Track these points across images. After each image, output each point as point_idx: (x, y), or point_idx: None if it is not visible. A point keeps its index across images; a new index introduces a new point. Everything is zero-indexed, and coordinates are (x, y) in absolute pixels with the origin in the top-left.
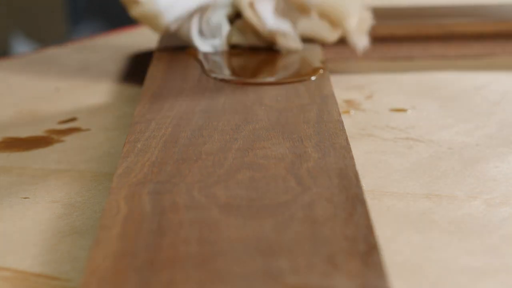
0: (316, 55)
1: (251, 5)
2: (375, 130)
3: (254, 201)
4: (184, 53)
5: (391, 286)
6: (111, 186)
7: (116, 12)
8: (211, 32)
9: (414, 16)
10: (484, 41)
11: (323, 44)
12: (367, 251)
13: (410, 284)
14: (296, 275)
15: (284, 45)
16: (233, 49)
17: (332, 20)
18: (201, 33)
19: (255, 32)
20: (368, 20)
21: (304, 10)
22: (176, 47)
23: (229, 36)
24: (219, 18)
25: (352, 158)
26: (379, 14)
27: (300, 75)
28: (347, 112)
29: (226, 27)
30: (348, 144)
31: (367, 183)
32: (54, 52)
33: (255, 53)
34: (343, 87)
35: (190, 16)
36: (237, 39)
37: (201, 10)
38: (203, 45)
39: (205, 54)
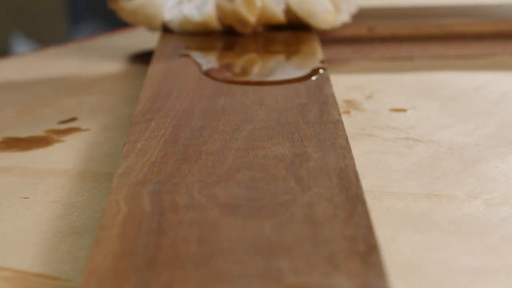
0: (316, 55)
1: None
2: (375, 130)
3: (254, 201)
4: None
5: (391, 286)
6: (111, 186)
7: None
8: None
9: (414, 16)
10: (484, 41)
11: (322, 45)
12: (367, 251)
13: (410, 284)
14: (296, 275)
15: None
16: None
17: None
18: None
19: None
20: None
21: None
22: (176, 47)
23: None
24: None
25: (352, 158)
26: (379, 14)
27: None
28: (347, 112)
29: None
30: (348, 144)
31: (367, 183)
32: (54, 52)
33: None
34: (343, 87)
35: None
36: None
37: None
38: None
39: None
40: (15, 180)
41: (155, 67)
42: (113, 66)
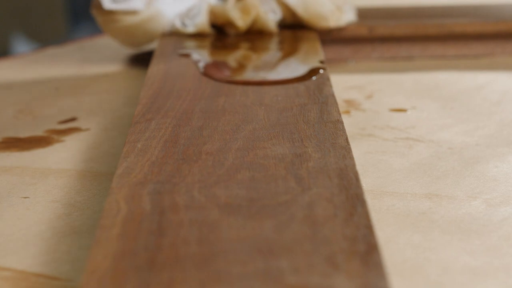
0: (316, 55)
1: None
2: (375, 130)
3: (254, 201)
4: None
5: (391, 286)
6: (111, 186)
7: None
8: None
9: (414, 16)
10: (484, 41)
11: (323, 43)
12: (367, 251)
13: (410, 284)
14: (296, 275)
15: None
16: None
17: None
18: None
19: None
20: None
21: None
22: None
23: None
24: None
25: (352, 158)
26: (379, 14)
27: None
28: (347, 112)
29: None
30: (348, 144)
31: (367, 183)
32: (54, 52)
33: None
34: (343, 87)
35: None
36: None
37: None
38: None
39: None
40: (15, 180)
41: (155, 67)
42: (113, 66)
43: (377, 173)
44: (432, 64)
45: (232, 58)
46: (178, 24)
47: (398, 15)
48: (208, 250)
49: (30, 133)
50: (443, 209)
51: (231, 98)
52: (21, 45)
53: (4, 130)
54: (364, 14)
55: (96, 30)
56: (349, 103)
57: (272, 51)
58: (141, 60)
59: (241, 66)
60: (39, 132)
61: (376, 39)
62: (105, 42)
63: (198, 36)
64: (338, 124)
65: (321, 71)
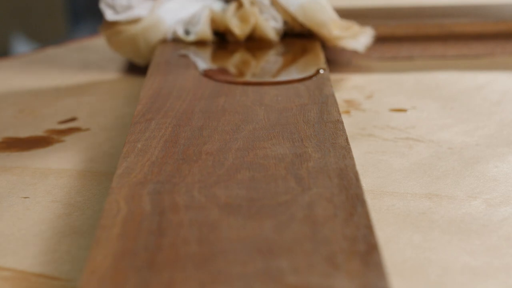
0: (316, 55)
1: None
2: (375, 130)
3: (254, 201)
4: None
5: (391, 286)
6: (111, 186)
7: None
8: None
9: (414, 16)
10: (484, 41)
11: (324, 46)
12: (367, 251)
13: (410, 284)
14: (296, 275)
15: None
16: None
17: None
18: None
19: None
20: (354, 25)
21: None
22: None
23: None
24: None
25: (352, 158)
26: (379, 14)
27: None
28: (347, 112)
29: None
30: (348, 144)
31: (367, 183)
32: (54, 52)
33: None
34: (343, 87)
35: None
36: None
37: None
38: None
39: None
40: (15, 180)
41: (155, 67)
42: (113, 66)
43: (377, 173)
44: (432, 64)
45: (231, 65)
46: (179, 32)
47: (398, 15)
48: (208, 250)
49: (30, 133)
50: (443, 209)
51: (231, 98)
52: (21, 45)
53: (4, 130)
54: (364, 14)
55: (96, 30)
56: (349, 103)
57: (271, 61)
58: None
59: (240, 73)
60: (39, 132)
61: (376, 39)
62: (105, 42)
63: (199, 42)
64: (338, 124)
65: (321, 71)
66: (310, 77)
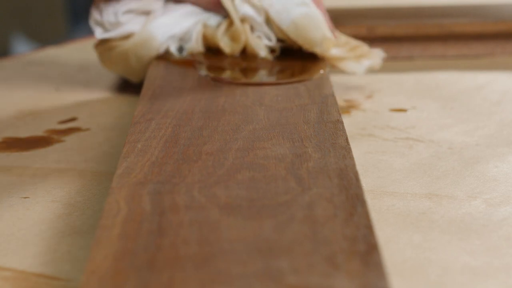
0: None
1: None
2: (375, 130)
3: (254, 201)
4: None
5: (391, 286)
6: (111, 186)
7: None
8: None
9: (414, 16)
10: (484, 41)
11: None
12: (367, 251)
13: (410, 284)
14: (296, 275)
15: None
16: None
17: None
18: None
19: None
20: (363, 46)
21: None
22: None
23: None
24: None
25: (352, 158)
26: (379, 14)
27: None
28: (347, 112)
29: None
30: (348, 144)
31: (367, 183)
32: (54, 52)
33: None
34: (343, 87)
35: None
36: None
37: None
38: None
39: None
40: (15, 180)
41: (155, 67)
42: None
43: (377, 173)
44: (432, 64)
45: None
46: (172, 49)
47: (398, 15)
48: (208, 250)
49: (30, 133)
50: (443, 209)
51: (231, 98)
52: (21, 45)
53: (4, 130)
54: (364, 14)
55: None
56: (349, 103)
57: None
58: None
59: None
60: (39, 132)
61: (376, 39)
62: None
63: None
64: (338, 124)
65: (321, 71)
66: (310, 77)
